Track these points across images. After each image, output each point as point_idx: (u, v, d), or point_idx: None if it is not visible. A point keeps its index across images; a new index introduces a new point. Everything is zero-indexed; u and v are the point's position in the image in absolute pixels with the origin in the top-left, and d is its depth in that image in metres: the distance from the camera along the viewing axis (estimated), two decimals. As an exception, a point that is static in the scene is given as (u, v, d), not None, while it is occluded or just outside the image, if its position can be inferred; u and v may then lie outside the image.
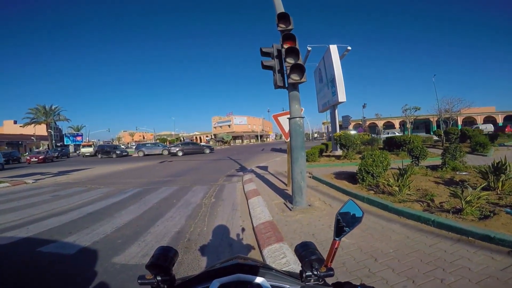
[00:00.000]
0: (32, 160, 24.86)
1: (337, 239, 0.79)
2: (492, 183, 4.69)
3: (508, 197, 4.16)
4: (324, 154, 13.33)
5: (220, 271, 0.66)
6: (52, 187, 9.08)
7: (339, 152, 12.13)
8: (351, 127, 28.98)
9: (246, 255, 3.02)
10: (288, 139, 5.83)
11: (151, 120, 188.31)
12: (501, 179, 4.63)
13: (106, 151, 28.48)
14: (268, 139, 70.94)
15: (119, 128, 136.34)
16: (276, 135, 65.96)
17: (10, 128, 44.68)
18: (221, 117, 69.62)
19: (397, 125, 46.68)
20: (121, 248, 3.40)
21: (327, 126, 39.44)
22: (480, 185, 4.44)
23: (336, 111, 13.49)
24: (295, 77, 4.11)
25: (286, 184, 6.71)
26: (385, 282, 2.23)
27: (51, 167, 17.84)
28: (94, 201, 6.42)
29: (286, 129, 6.00)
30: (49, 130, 41.50)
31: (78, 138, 44.46)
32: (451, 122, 24.30)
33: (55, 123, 44.78)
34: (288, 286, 0.67)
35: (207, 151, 25.65)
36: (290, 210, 4.50)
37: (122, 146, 33.52)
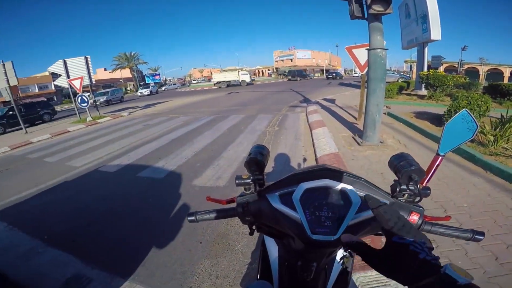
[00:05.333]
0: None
1: (441, 154, 0.70)
2: None
3: None
4: (403, 92, 12.17)
5: (308, 175, 0.64)
6: (142, 118, 10.61)
7: (423, 91, 10.96)
8: (442, 69, 24.29)
9: None
10: (364, 71, 5.50)
11: (217, 57, 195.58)
12: None
13: (303, 75, 37.26)
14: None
15: (189, 66, 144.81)
16: (345, 70, 60.10)
17: (102, 74, 52.34)
18: (282, 51, 66.24)
19: (507, 74, 36.51)
20: (200, 172, 3.94)
21: (410, 65, 33.68)
22: None
23: (426, 49, 12.09)
24: (377, 8, 3.76)
25: (356, 118, 6.41)
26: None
27: (136, 102, 20.40)
28: (176, 128, 7.43)
29: (362, 61, 5.63)
30: (132, 73, 49.30)
31: (156, 77, 52.12)
32: None
33: (136, 66, 51.67)
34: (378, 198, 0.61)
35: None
36: (359, 144, 4.41)
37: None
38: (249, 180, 0.68)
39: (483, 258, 1.93)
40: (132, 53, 49.79)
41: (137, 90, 35.67)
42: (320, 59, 65.75)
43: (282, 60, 64.71)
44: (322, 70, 58.69)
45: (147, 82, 51.56)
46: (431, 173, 0.70)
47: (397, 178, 0.64)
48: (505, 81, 33.10)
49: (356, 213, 0.58)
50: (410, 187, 0.62)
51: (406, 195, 0.63)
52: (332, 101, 10.17)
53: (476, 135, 4.39)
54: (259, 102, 12.50)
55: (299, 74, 37.85)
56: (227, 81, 30.86)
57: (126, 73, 50.50)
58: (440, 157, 0.70)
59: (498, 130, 4.10)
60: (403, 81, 14.23)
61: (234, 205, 0.70)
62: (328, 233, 0.57)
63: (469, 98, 4.94)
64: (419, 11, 11.62)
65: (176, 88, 43.54)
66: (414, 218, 0.61)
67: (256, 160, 0.68)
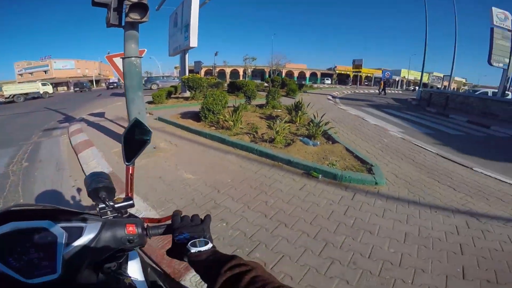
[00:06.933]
0: None
1: (128, 163, 0.73)
2: (294, 117, 6.39)
3: (302, 129, 5.68)
4: (173, 96, 13.30)
5: None
6: None
7: (187, 94, 12.53)
8: (203, 72, 30.00)
9: None
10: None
11: None
12: (299, 114, 6.40)
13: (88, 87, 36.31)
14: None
15: None
16: (119, 79, 56.40)
17: None
18: (31, 62, 50.49)
19: (241, 73, 52.11)
20: None
21: (179, 71, 38.14)
22: (286, 118, 5.85)
23: (187, 56, 13.83)
24: (134, 16, 3.77)
25: (127, 129, 6.12)
26: (228, 211, 2.62)
27: None
28: None
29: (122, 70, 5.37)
30: None
31: None
32: (277, 73, 30.52)
33: None
34: (84, 224, 0.57)
35: None
36: (133, 156, 4.27)
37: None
38: None
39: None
40: None
41: None
42: (87, 68, 57.15)
43: (31, 73, 49.54)
44: (91, 81, 51.51)
45: None
46: (130, 183, 0.73)
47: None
48: (241, 77, 47.30)
49: (68, 244, 0.53)
50: (108, 203, 0.62)
51: (109, 212, 0.62)
52: (102, 114, 9.06)
53: (223, 122, 5.80)
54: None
55: (86, 85, 40.30)
56: (24, 94, 23.19)
57: None
58: (131, 166, 0.73)
59: (234, 116, 5.60)
60: (171, 86, 15.52)
61: None
62: (50, 272, 0.50)
63: (214, 95, 6.31)
64: (184, 21, 12.62)
65: None
66: (131, 229, 0.60)
67: None
